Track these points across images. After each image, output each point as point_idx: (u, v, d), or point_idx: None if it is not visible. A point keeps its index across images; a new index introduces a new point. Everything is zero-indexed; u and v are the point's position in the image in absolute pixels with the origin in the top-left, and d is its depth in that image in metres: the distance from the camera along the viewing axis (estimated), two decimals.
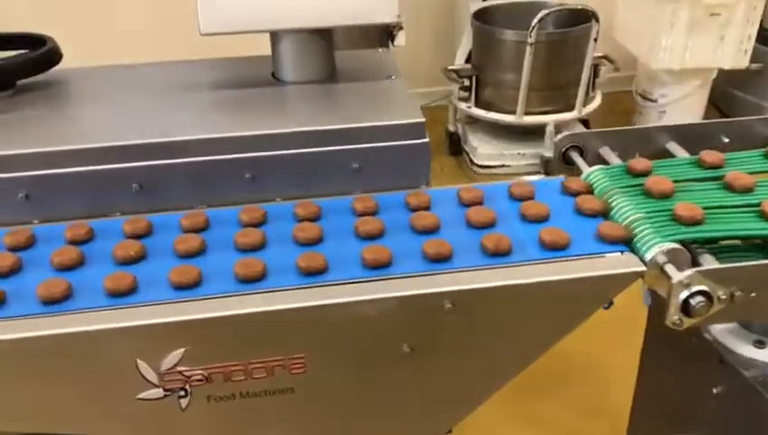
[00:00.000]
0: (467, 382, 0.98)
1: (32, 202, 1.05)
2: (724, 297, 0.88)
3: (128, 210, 1.05)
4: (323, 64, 1.25)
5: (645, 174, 1.09)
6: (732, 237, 0.97)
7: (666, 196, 1.03)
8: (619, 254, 0.94)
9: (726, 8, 3.13)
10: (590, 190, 1.08)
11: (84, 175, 1.05)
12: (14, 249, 0.96)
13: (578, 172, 1.17)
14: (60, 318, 0.86)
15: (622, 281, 0.92)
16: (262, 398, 0.92)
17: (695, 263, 0.94)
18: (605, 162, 1.20)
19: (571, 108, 3.23)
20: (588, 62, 3.10)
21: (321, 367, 0.92)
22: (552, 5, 3.07)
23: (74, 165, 1.05)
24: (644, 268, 0.92)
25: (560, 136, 1.21)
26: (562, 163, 1.22)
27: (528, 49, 2.97)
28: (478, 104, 3.29)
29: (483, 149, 3.33)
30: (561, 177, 1.13)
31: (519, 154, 3.31)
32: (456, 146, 3.49)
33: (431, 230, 0.98)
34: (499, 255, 0.93)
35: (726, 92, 3.62)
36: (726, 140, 1.23)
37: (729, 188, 1.05)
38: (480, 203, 1.04)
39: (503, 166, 3.32)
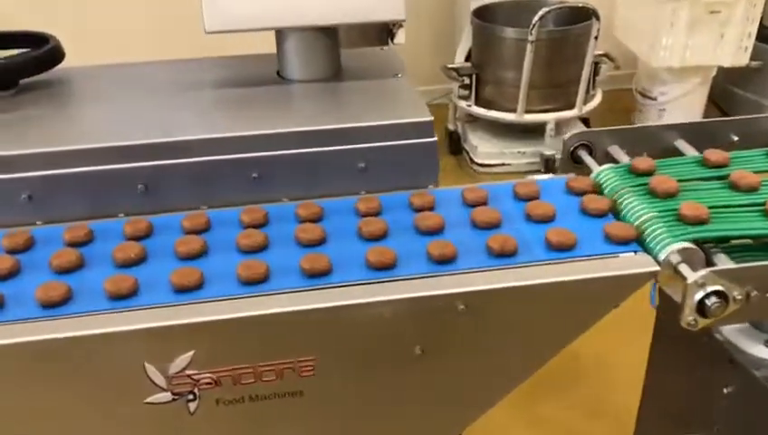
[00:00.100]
0: (479, 384, 0.97)
1: (35, 203, 1.03)
2: (739, 297, 0.87)
3: (132, 211, 1.04)
4: (329, 63, 1.23)
5: (648, 173, 1.07)
6: (738, 237, 0.96)
7: (671, 195, 1.01)
8: (633, 254, 0.93)
9: (726, 6, 3.12)
10: (594, 189, 1.07)
11: (88, 175, 1.04)
12: (12, 252, 0.95)
13: (586, 171, 1.16)
14: (65, 321, 0.84)
15: (637, 281, 0.91)
16: (271, 401, 0.91)
17: (708, 262, 0.94)
18: (614, 160, 1.18)
19: (571, 106, 3.22)
20: (588, 61, 3.09)
21: (331, 370, 0.90)
22: (553, 3, 3.06)
23: (78, 165, 1.03)
24: (658, 268, 0.91)
25: (568, 134, 1.20)
26: (571, 162, 1.21)
27: (528, 47, 2.96)
28: (478, 103, 3.28)
29: (483, 148, 3.32)
30: (566, 176, 1.11)
31: (519, 152, 3.30)
32: (455, 145, 3.48)
33: (435, 231, 0.97)
34: (505, 256, 0.92)
35: (726, 90, 3.62)
36: (735, 138, 1.22)
37: (734, 187, 1.04)
38: (485, 203, 1.03)
39: (503, 164, 3.31)
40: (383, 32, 2.96)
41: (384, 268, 0.90)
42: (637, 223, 0.98)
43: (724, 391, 1.18)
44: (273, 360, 0.89)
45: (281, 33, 1.21)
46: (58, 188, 1.03)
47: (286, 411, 0.93)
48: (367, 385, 0.95)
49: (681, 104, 3.45)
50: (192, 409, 0.90)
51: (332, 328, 0.88)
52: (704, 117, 3.52)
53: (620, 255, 0.93)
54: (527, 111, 3.17)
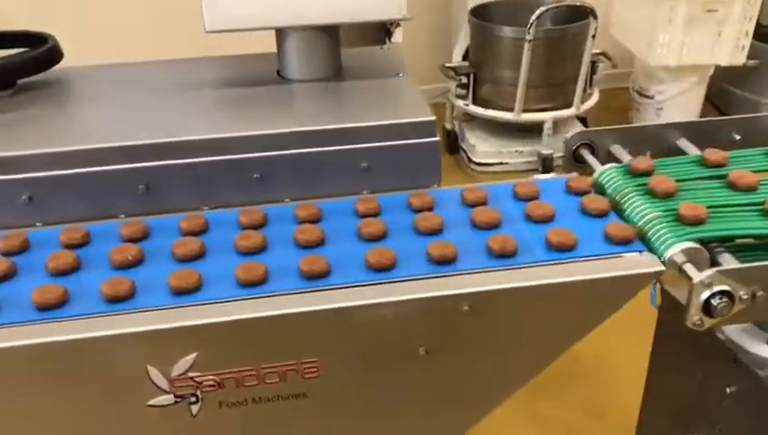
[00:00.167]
0: (484, 384, 0.97)
1: (35, 204, 1.02)
2: (745, 297, 0.87)
3: (133, 212, 1.03)
4: (330, 62, 1.23)
5: (647, 173, 1.07)
6: (737, 237, 0.96)
7: (669, 195, 1.01)
8: (638, 254, 0.93)
9: (724, 5, 3.13)
10: (593, 189, 1.06)
11: (88, 176, 1.03)
12: (7, 254, 0.94)
13: (589, 170, 1.16)
14: (67, 324, 0.83)
15: (642, 281, 0.91)
16: (274, 403, 0.91)
17: (713, 262, 0.93)
18: (616, 160, 1.18)
19: (568, 105, 3.22)
20: (586, 59, 3.09)
21: (334, 371, 0.90)
22: (550, 2, 3.06)
23: (78, 166, 1.02)
24: (663, 268, 0.90)
25: (570, 134, 1.19)
26: (573, 161, 1.20)
27: (526, 46, 2.96)
28: (476, 102, 3.28)
29: (481, 147, 3.31)
30: (565, 175, 1.11)
31: (517, 151, 3.30)
32: (453, 144, 3.48)
33: (435, 231, 0.96)
34: (505, 256, 0.91)
35: (723, 89, 3.62)
36: (737, 137, 1.22)
37: (733, 186, 1.04)
38: (484, 203, 1.02)
39: (500, 163, 3.31)
40: (380, 31, 2.97)
41: (384, 269, 0.89)
42: (640, 223, 0.98)
43: (727, 390, 1.18)
44: (276, 362, 0.88)
45: (281, 33, 1.20)
46: (58, 189, 1.02)
47: (290, 413, 0.92)
48: (371, 386, 0.94)
49: (678, 103, 3.45)
50: (194, 411, 0.89)
51: (338, 330, 0.87)
52: (701, 116, 3.53)
53: (625, 255, 0.92)
54: (525, 110, 3.16)
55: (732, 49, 3.24)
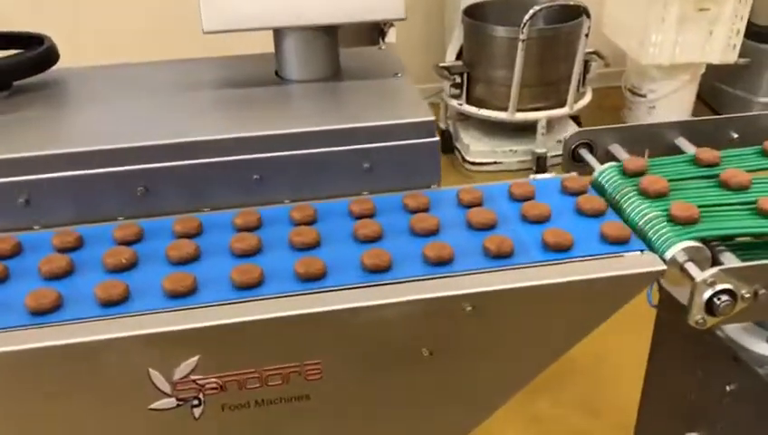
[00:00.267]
0: (487, 385, 0.97)
1: (32, 207, 1.01)
2: (748, 296, 0.87)
3: (133, 214, 1.02)
4: (328, 62, 1.22)
5: (640, 173, 1.07)
6: (728, 236, 0.96)
7: (662, 195, 1.01)
8: (639, 253, 0.93)
9: (715, 4, 3.14)
10: (587, 189, 1.06)
11: (86, 178, 1.02)
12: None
13: (588, 169, 1.16)
14: (67, 327, 0.83)
15: (644, 280, 0.91)
16: (277, 405, 0.90)
17: (714, 260, 0.93)
18: (615, 159, 1.18)
19: (562, 104, 3.23)
20: (579, 58, 3.10)
21: (338, 373, 0.90)
22: (544, 1, 3.06)
23: (76, 168, 1.01)
24: (665, 267, 0.91)
25: (569, 133, 1.19)
26: (572, 161, 1.20)
27: (520, 45, 2.96)
28: (470, 101, 3.28)
29: (475, 147, 3.32)
30: (560, 175, 1.11)
31: (511, 151, 3.30)
32: (447, 144, 3.48)
33: (431, 233, 0.96)
34: (502, 257, 0.91)
35: (715, 87, 3.64)
36: (735, 136, 1.22)
37: (725, 186, 1.04)
38: (480, 204, 1.02)
39: (495, 163, 3.32)
40: (374, 31, 2.96)
41: (380, 271, 0.89)
42: (641, 222, 0.98)
43: (727, 388, 1.18)
44: (278, 364, 0.88)
45: (279, 33, 1.19)
46: (55, 191, 1.01)
47: (292, 416, 0.92)
48: (375, 388, 0.94)
49: (670, 101, 3.47)
50: (197, 414, 0.89)
51: (342, 331, 0.87)
52: (693, 114, 3.55)
53: (626, 254, 0.93)
54: (518, 110, 3.17)
55: (723, 47, 3.26)
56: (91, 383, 0.86)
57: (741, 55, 3.31)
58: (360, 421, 0.98)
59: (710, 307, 0.88)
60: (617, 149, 1.19)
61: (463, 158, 3.35)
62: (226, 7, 1.13)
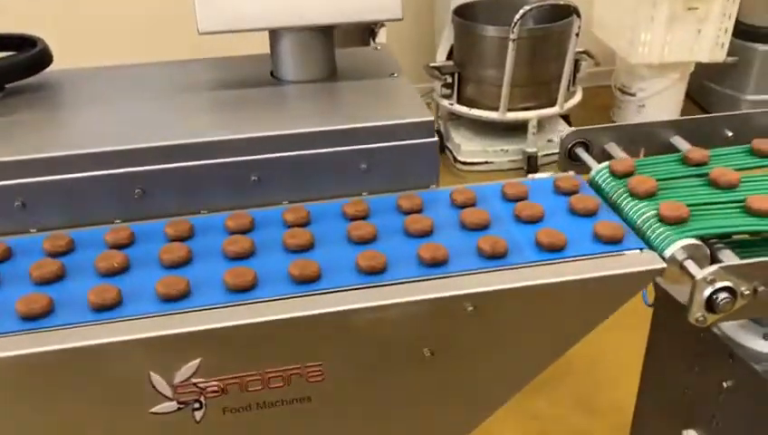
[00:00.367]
0: (489, 384, 0.97)
1: (29, 210, 1.00)
2: (747, 293, 0.88)
3: (130, 217, 1.02)
4: (325, 63, 1.22)
5: (628, 174, 1.07)
6: (720, 235, 0.97)
7: (651, 195, 1.01)
8: (638, 251, 0.93)
9: (704, 3, 3.16)
10: (580, 189, 1.06)
11: (82, 181, 1.01)
12: None
13: (585, 168, 1.16)
14: (68, 331, 0.82)
15: (644, 278, 0.91)
16: (278, 408, 0.90)
17: (713, 258, 0.94)
18: (611, 157, 1.19)
19: (552, 103, 3.23)
20: (569, 58, 3.11)
21: (339, 374, 0.89)
22: (534, 1, 3.07)
23: (72, 171, 1.00)
24: (665, 265, 0.91)
25: (565, 133, 1.19)
26: (568, 160, 1.21)
27: (510, 45, 2.97)
28: (461, 101, 3.29)
29: (466, 147, 3.32)
30: (553, 175, 1.11)
31: (502, 150, 3.31)
32: (438, 143, 3.47)
33: (425, 234, 0.96)
34: (496, 257, 0.91)
35: (703, 86, 3.66)
36: (730, 134, 1.23)
37: (714, 184, 1.05)
38: (473, 205, 1.02)
39: (486, 163, 3.32)
40: (365, 31, 2.96)
41: (375, 273, 0.89)
42: (638, 221, 0.99)
43: (724, 385, 1.19)
44: (280, 366, 0.87)
45: (276, 33, 1.19)
46: (53, 194, 1.01)
47: (294, 418, 0.91)
48: (377, 389, 0.94)
49: (660, 100, 3.49)
50: (198, 417, 0.88)
51: (343, 333, 0.87)
52: (682, 112, 3.57)
53: (626, 252, 0.93)
54: (509, 109, 3.18)
55: (712, 46, 3.28)
56: (90, 389, 0.86)
57: (729, 54, 3.33)
58: (362, 422, 0.98)
59: (710, 305, 0.88)
60: (613, 148, 1.20)
61: (454, 158, 3.36)
62: (222, 8, 1.13)
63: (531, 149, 3.24)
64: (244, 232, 0.97)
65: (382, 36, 2.95)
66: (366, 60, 1.31)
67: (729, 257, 0.93)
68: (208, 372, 0.85)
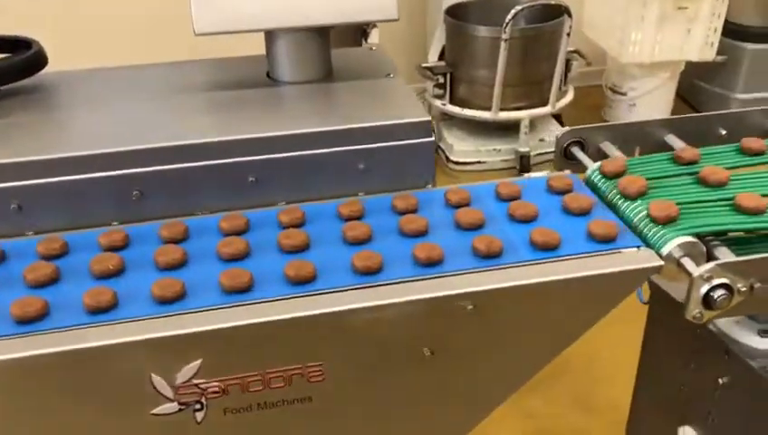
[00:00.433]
0: (489, 382, 0.97)
1: (25, 213, 1.00)
2: (744, 289, 0.89)
3: (128, 219, 1.02)
4: (321, 63, 1.22)
5: (619, 174, 1.08)
6: (707, 233, 0.97)
7: (642, 194, 1.02)
8: (636, 249, 0.94)
9: (693, 2, 3.18)
10: (572, 188, 1.07)
11: (79, 183, 1.01)
12: None
13: (581, 167, 1.17)
14: (68, 334, 0.82)
15: (642, 276, 0.92)
16: (279, 408, 0.90)
17: (709, 255, 0.95)
18: (606, 156, 1.20)
19: (544, 103, 3.25)
20: (561, 58, 3.12)
21: (340, 374, 0.90)
22: (525, 1, 3.08)
23: (69, 173, 1.00)
24: (662, 263, 0.92)
25: (561, 131, 1.20)
26: (564, 159, 1.22)
27: (503, 45, 2.97)
28: (453, 101, 3.29)
29: (458, 147, 3.33)
30: (546, 174, 1.12)
31: (495, 150, 3.32)
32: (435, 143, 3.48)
33: (420, 233, 0.96)
34: (491, 257, 0.91)
35: (693, 85, 3.69)
36: (724, 132, 1.24)
37: (704, 183, 1.06)
38: (467, 204, 1.03)
39: (478, 162, 3.33)
40: (357, 32, 2.96)
41: (371, 273, 0.89)
42: (635, 219, 0.99)
43: (720, 381, 1.20)
44: (281, 366, 0.87)
45: (272, 34, 1.19)
46: (49, 197, 1.00)
47: (295, 418, 0.91)
48: (377, 388, 0.94)
49: (650, 99, 3.51)
50: (199, 418, 0.88)
51: (343, 333, 0.87)
52: (672, 111, 3.59)
53: (624, 250, 0.94)
54: (501, 109, 3.18)
55: (702, 45, 3.30)
56: (90, 391, 0.86)
57: (719, 53, 3.36)
58: (362, 422, 0.98)
59: (707, 302, 0.89)
60: (608, 147, 1.21)
61: (447, 158, 3.36)
62: (218, 9, 1.13)
63: (523, 149, 3.25)
64: (238, 233, 0.97)
65: (374, 36, 2.95)
66: (361, 60, 1.32)
67: (725, 255, 0.94)
68: (209, 372, 0.85)
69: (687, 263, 0.91)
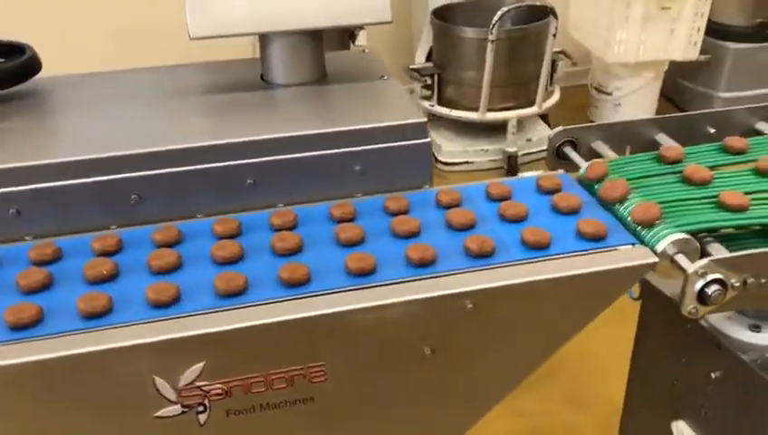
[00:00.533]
0: (489, 380, 0.98)
1: (24, 218, 1.00)
2: (737, 284, 0.91)
3: (126, 223, 1.02)
4: (315, 66, 1.22)
5: (601, 179, 1.09)
6: (693, 231, 0.99)
7: (623, 200, 1.03)
8: (631, 246, 0.96)
9: (677, 2, 3.22)
10: (561, 187, 1.08)
11: (78, 188, 1.01)
12: None
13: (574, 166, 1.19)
14: (69, 338, 0.82)
15: (637, 273, 0.94)
16: (281, 409, 0.91)
17: (702, 252, 0.97)
18: (598, 156, 1.21)
19: (531, 103, 3.27)
20: (547, 58, 3.14)
21: (342, 375, 0.90)
22: (512, 2, 3.10)
23: (66, 178, 1.00)
24: (657, 260, 0.93)
25: (554, 131, 1.22)
26: (557, 158, 1.23)
27: (489, 46, 2.99)
28: (441, 102, 3.31)
29: (447, 147, 3.34)
30: (536, 174, 1.13)
31: (482, 150, 3.34)
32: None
33: (413, 234, 0.97)
34: (483, 256, 0.93)
35: (678, 84, 3.72)
36: (712, 131, 1.26)
37: (688, 181, 1.08)
38: (458, 205, 1.04)
39: (467, 163, 3.35)
40: (344, 34, 2.96)
41: (364, 274, 0.90)
42: (630, 218, 1.01)
43: (712, 375, 1.22)
44: (283, 367, 0.88)
45: (266, 37, 1.19)
46: (48, 201, 1.00)
47: (297, 418, 0.92)
48: (379, 388, 0.95)
49: (635, 98, 3.54)
50: (202, 421, 0.89)
51: (344, 334, 0.88)
52: (657, 110, 3.62)
53: (620, 248, 0.95)
54: (489, 110, 3.20)
55: (685, 45, 3.34)
56: (93, 396, 0.86)
57: (702, 52, 3.39)
58: (364, 421, 0.99)
59: (702, 297, 0.90)
60: (600, 146, 1.22)
61: (435, 158, 3.37)
62: (213, 13, 1.13)
63: (511, 149, 3.27)
64: (232, 237, 0.97)
65: (362, 39, 2.96)
66: (354, 63, 1.32)
67: (718, 251, 0.95)
68: (212, 374, 0.86)
69: (682, 259, 0.93)
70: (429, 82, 3.27)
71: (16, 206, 1.00)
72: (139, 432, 0.89)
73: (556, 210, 1.03)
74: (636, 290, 1.36)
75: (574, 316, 0.95)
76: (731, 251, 0.95)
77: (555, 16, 3.03)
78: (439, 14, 3.27)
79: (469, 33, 3.12)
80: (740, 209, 1.00)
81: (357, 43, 2.98)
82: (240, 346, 0.86)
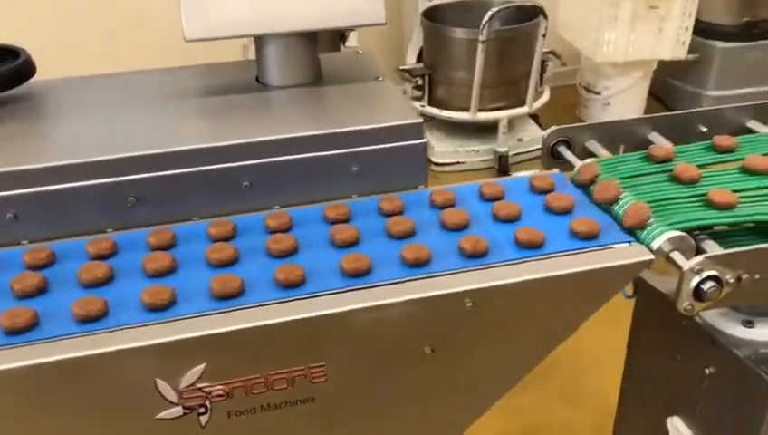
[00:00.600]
0: (488, 378, 0.99)
1: (20, 222, 1.00)
2: (732, 281, 0.92)
3: (124, 225, 1.02)
4: (310, 68, 1.23)
5: (593, 181, 1.09)
6: (683, 229, 1.00)
7: (616, 201, 1.04)
8: (627, 244, 0.96)
9: (665, 2, 3.24)
10: (554, 187, 1.09)
11: (74, 191, 1.01)
12: None
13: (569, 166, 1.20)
14: (70, 341, 0.82)
15: (633, 270, 0.95)
16: (282, 409, 0.91)
17: (697, 249, 0.98)
18: (592, 155, 1.22)
19: (521, 103, 3.28)
20: (537, 58, 3.16)
21: (342, 375, 0.91)
22: (501, 2, 3.12)
23: (63, 181, 1.00)
24: (653, 257, 0.94)
25: (548, 131, 1.23)
26: (551, 158, 1.24)
27: (480, 46, 3.01)
28: (432, 103, 3.32)
29: (438, 147, 3.35)
30: (529, 174, 1.14)
31: (473, 151, 3.35)
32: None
33: (407, 235, 0.98)
34: (477, 256, 0.93)
35: (666, 83, 3.75)
36: (704, 129, 1.27)
37: (677, 180, 1.09)
38: (452, 205, 1.05)
39: (458, 163, 3.36)
40: (335, 35, 2.97)
41: (360, 275, 0.90)
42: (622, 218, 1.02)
43: (706, 371, 1.23)
44: (284, 368, 0.88)
45: (261, 39, 1.20)
46: (43, 205, 1.00)
47: (298, 419, 0.92)
48: (380, 388, 0.95)
49: (624, 98, 3.57)
50: (203, 422, 0.89)
51: (344, 334, 0.88)
52: (646, 110, 3.65)
53: (616, 246, 0.96)
54: (480, 110, 3.22)
55: (673, 44, 3.36)
56: (93, 399, 0.86)
57: (690, 51, 3.42)
58: (365, 421, 0.99)
59: (698, 294, 0.91)
60: (594, 145, 1.23)
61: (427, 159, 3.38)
62: (208, 15, 1.13)
63: (501, 149, 3.28)
64: (227, 239, 0.98)
65: (353, 40, 2.97)
66: (349, 64, 1.33)
67: (713, 248, 0.96)
68: (213, 376, 0.86)
69: (677, 257, 0.94)
70: (420, 82, 3.28)
71: (13, 210, 0.99)
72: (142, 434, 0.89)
73: (549, 210, 1.04)
74: (629, 288, 1.37)
75: (570, 314, 0.96)
76: (724, 248, 0.96)
77: (545, 17, 3.05)
78: (429, 14, 3.28)
79: (459, 33, 3.13)
80: (728, 207, 1.01)
81: (347, 44, 2.98)
82: (240, 348, 0.86)
